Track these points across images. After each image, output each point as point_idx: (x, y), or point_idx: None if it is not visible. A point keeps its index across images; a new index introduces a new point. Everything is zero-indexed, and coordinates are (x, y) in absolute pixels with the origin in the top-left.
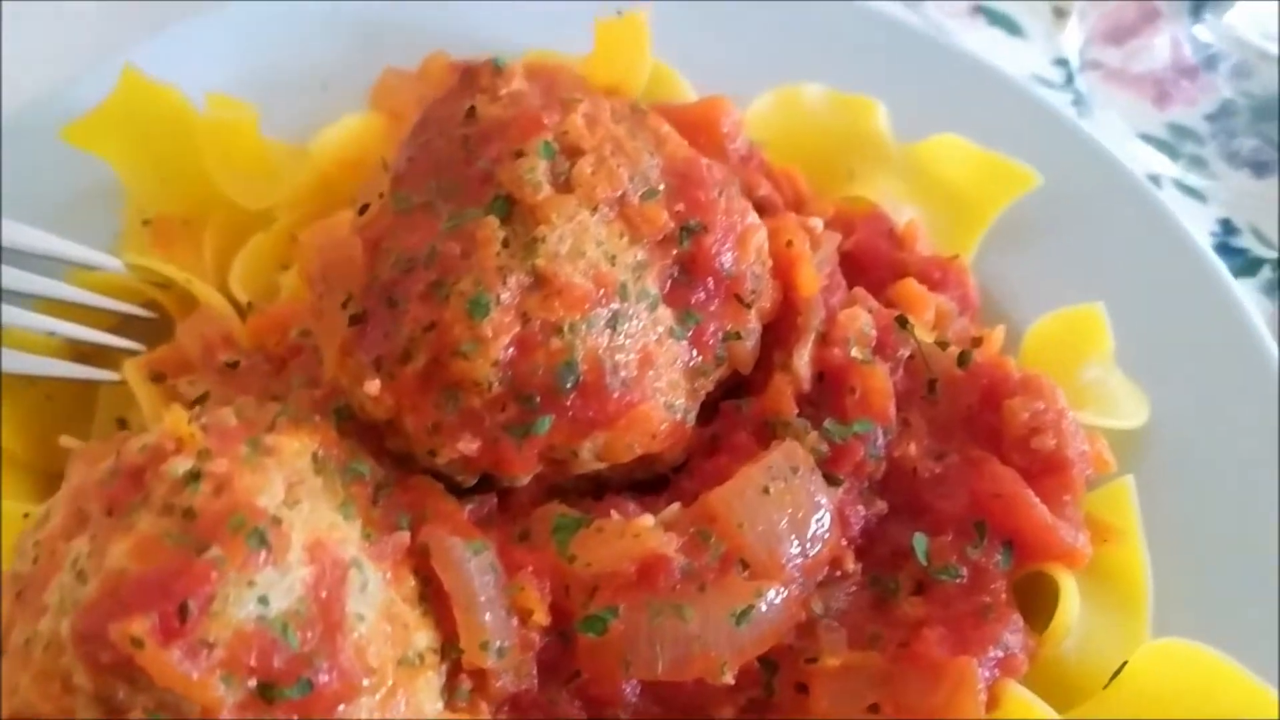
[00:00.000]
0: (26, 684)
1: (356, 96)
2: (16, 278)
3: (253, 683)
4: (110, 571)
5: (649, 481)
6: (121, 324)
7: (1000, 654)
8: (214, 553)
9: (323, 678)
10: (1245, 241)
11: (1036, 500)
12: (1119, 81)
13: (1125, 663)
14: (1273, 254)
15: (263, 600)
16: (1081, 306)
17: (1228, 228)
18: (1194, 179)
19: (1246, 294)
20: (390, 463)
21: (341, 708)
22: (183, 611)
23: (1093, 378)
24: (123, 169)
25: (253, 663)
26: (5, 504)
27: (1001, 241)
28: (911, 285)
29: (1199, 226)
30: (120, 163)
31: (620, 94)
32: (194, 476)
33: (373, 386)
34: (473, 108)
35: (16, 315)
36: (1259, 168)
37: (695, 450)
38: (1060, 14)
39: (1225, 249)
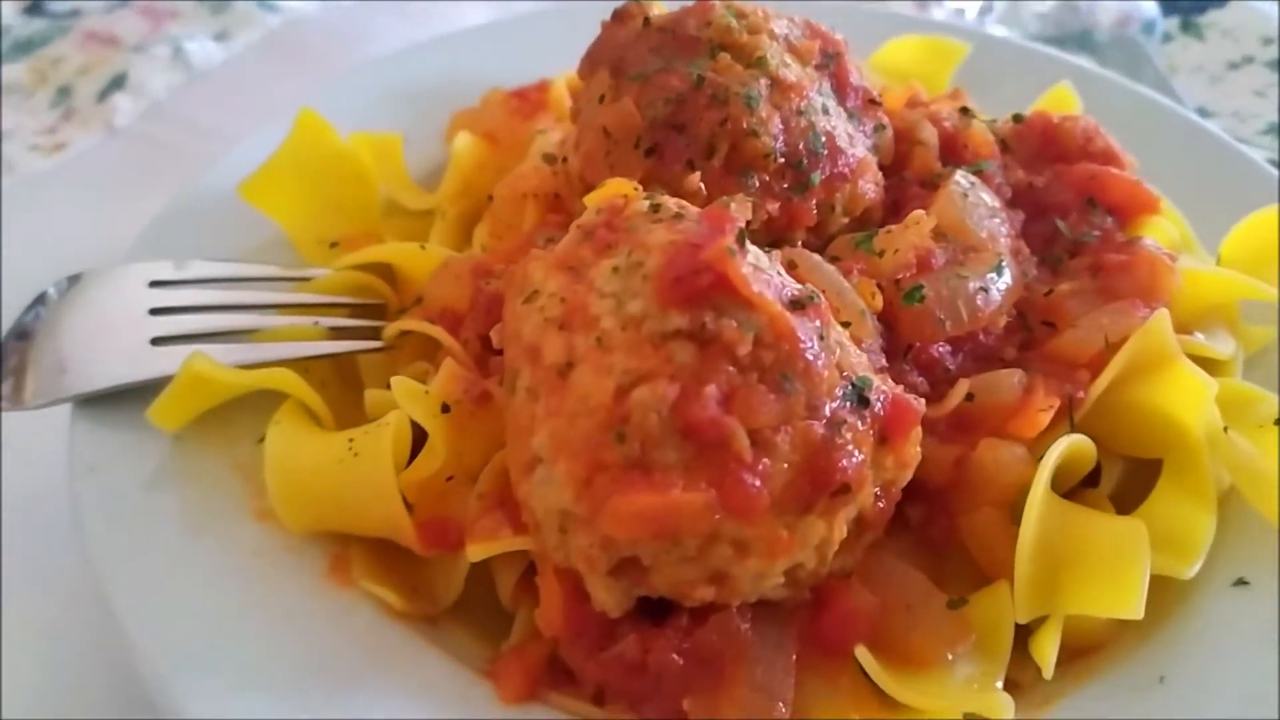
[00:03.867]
0: (622, 364)
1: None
2: (264, 295)
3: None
4: (663, 245)
5: None
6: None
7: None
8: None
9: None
10: None
11: (1117, 170)
12: None
13: None
14: None
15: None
16: (1051, 89)
17: None
18: None
19: None
20: None
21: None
22: (741, 239)
23: None
24: (294, 211)
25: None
26: None
27: None
28: (948, 102)
29: None
30: (293, 204)
31: None
32: (656, 206)
33: (693, 180)
34: (647, 18)
35: (284, 320)
36: None
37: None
38: None
39: None
